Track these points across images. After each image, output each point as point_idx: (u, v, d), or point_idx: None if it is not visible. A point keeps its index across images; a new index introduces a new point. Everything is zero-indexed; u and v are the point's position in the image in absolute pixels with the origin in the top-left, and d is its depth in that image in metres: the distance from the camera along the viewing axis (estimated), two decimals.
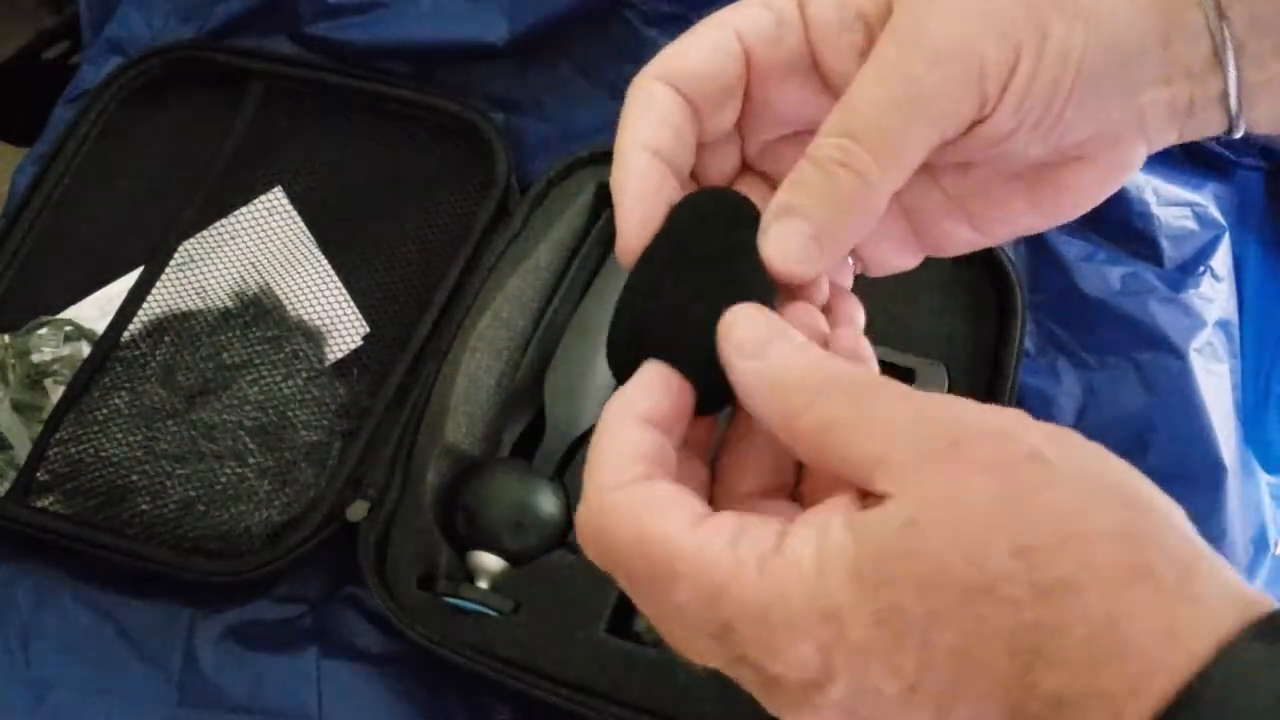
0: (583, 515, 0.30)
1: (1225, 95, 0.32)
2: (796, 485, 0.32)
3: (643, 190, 0.32)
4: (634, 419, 0.30)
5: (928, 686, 0.26)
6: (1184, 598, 0.24)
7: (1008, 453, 0.26)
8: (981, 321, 0.60)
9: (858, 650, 0.26)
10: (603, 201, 0.65)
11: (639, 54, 0.67)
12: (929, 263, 0.60)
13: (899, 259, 0.37)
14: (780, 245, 0.31)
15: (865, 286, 0.35)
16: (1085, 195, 0.34)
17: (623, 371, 0.32)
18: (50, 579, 0.58)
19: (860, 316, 0.34)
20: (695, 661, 0.30)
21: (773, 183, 0.35)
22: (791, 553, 0.27)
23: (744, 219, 0.32)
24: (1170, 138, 0.33)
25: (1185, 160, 0.65)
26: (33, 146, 0.72)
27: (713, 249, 0.32)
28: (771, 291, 0.32)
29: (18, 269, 0.67)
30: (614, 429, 0.30)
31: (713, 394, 0.31)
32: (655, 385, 0.31)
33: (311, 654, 0.56)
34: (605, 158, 0.65)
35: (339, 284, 0.66)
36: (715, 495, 0.33)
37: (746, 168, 0.36)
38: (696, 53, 0.33)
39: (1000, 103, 0.30)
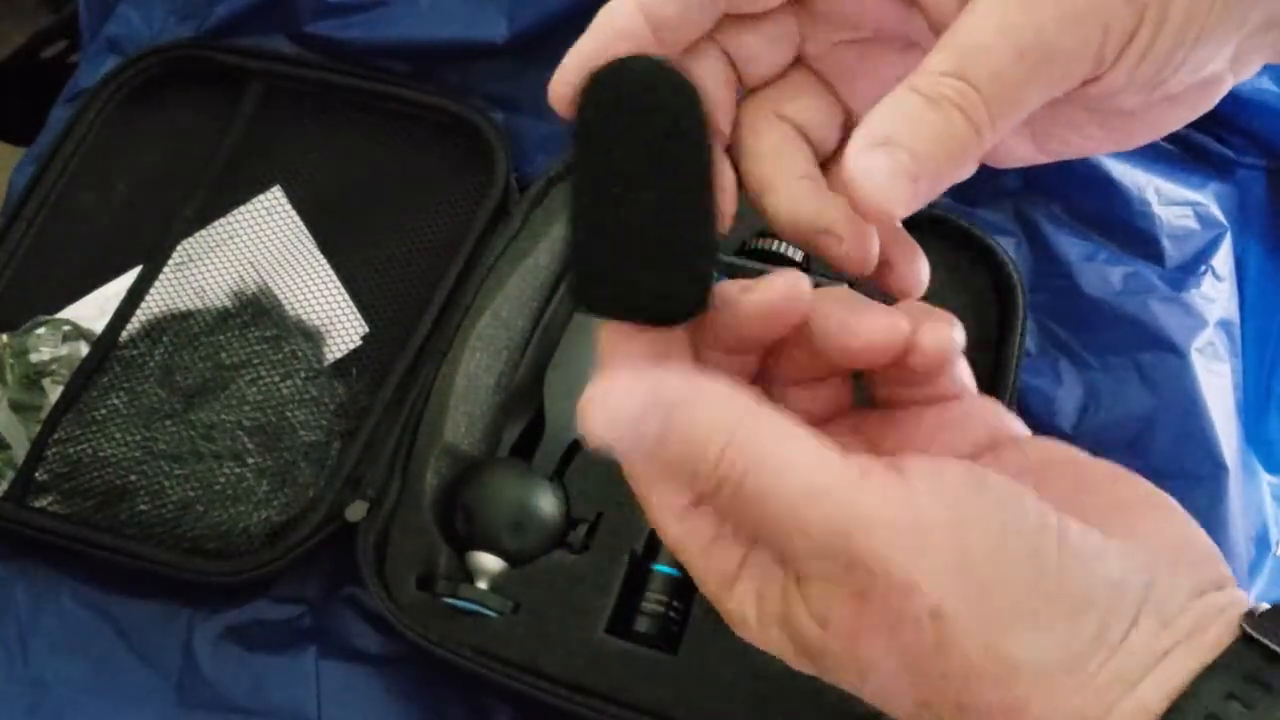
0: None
1: None
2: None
3: (606, 48, 0.31)
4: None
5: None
6: None
7: (906, 612, 0.26)
8: (982, 322, 0.60)
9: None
10: None
11: None
12: (929, 263, 0.60)
13: None
14: (875, 178, 0.27)
15: (864, 286, 0.35)
16: (1162, 128, 0.32)
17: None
18: (48, 579, 0.58)
19: (924, 272, 0.33)
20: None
21: (824, 81, 0.34)
22: (739, 594, 0.30)
23: (683, 116, 0.28)
24: (1258, 67, 0.32)
25: (1187, 159, 0.65)
26: (31, 146, 0.72)
27: (653, 148, 0.29)
28: (711, 215, 0.29)
29: (16, 268, 0.67)
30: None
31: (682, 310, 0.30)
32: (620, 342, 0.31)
33: (310, 654, 0.56)
34: None
35: (338, 283, 0.65)
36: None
37: (799, 61, 0.34)
38: None
39: (1114, 67, 0.28)
